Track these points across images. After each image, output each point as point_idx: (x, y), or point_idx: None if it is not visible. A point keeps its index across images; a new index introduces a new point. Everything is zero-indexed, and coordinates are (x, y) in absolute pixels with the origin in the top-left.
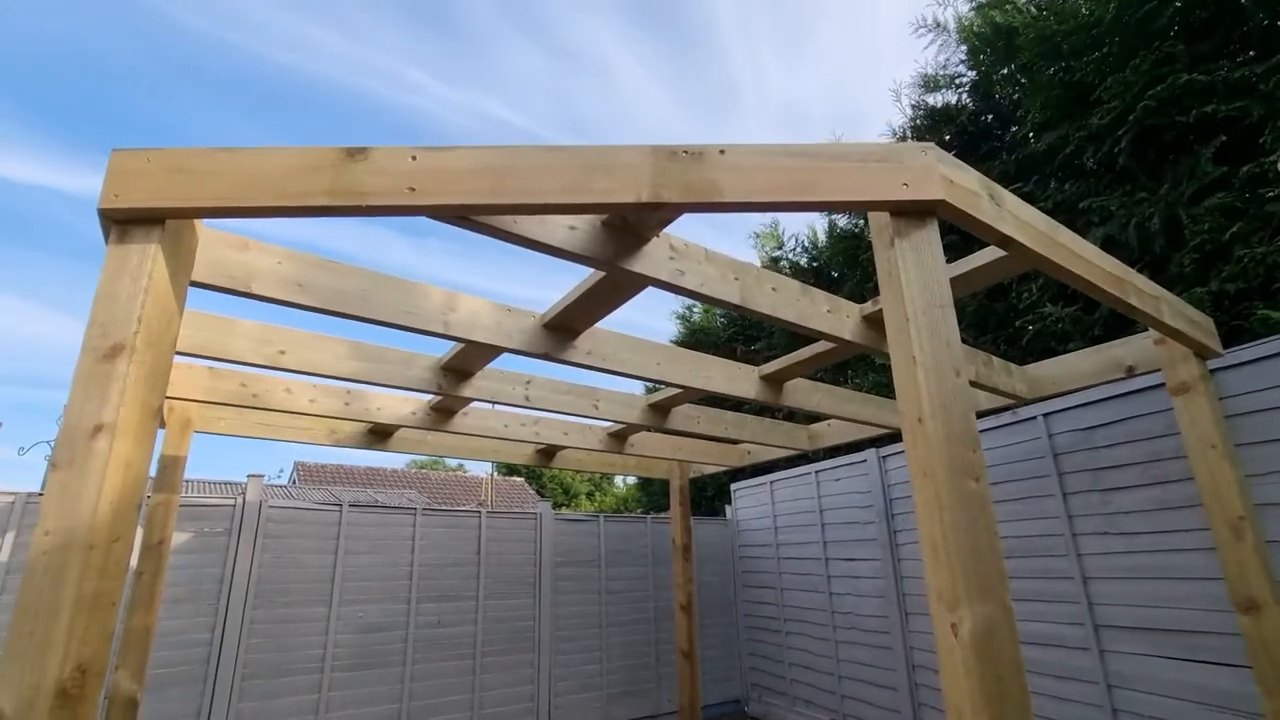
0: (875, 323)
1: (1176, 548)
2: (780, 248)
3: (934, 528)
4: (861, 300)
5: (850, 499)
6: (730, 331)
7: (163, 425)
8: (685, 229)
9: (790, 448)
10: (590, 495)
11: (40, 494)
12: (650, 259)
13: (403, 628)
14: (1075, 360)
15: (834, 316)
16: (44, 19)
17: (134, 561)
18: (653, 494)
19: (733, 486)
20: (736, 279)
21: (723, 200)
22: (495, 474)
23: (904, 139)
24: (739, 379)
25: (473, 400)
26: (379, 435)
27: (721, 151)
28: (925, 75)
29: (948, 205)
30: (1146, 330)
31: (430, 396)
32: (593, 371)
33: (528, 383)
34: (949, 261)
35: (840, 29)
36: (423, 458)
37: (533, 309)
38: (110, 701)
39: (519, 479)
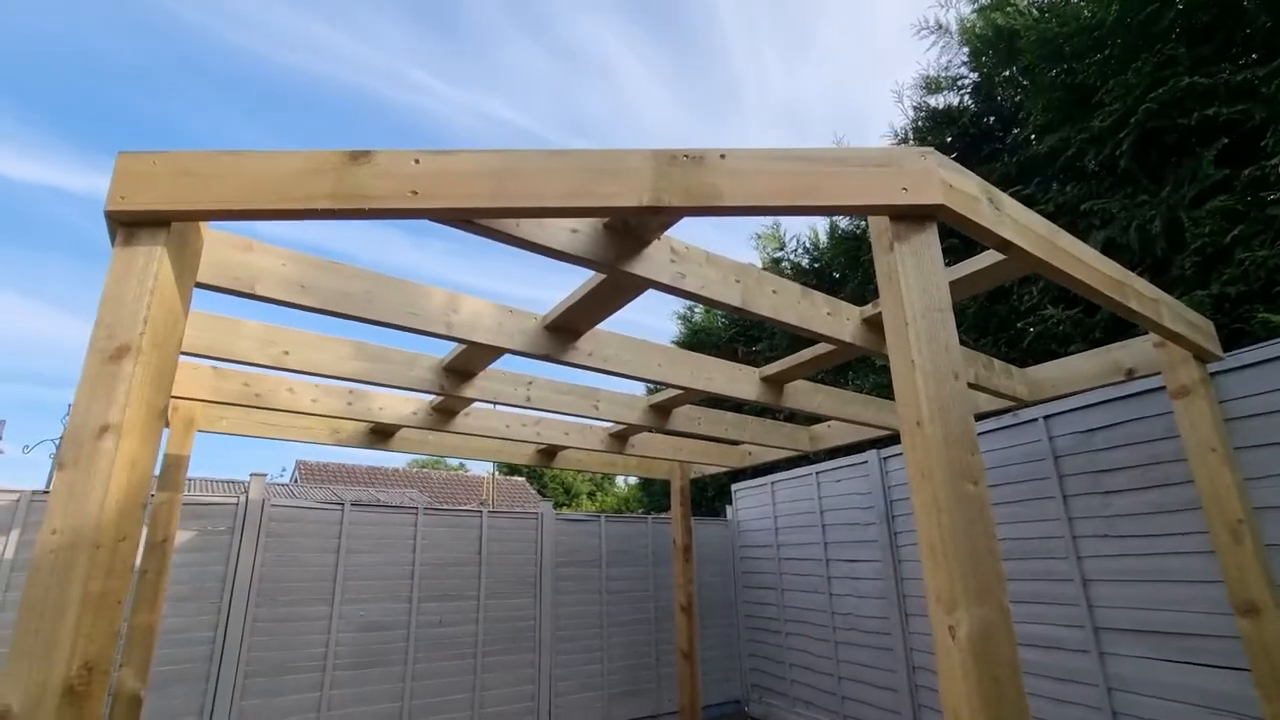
0: (875, 325)
1: (1176, 550)
2: (781, 248)
3: (932, 530)
4: (863, 302)
5: (851, 500)
6: (731, 332)
7: (166, 424)
8: (688, 228)
9: (791, 449)
10: (591, 495)
11: (45, 492)
12: (651, 261)
13: (404, 627)
14: (1076, 363)
15: (834, 319)
16: (45, 18)
17: (138, 560)
18: (654, 494)
19: (734, 487)
20: (738, 281)
21: (723, 204)
22: (496, 473)
23: (906, 140)
24: (740, 380)
25: (474, 400)
26: (381, 435)
27: (722, 156)
28: (927, 77)
29: (947, 209)
30: (1147, 333)
31: (432, 397)
32: (594, 372)
33: (529, 383)
34: (951, 264)
35: (841, 29)
36: (424, 457)
37: (535, 310)
38: (114, 699)
39: (520, 479)
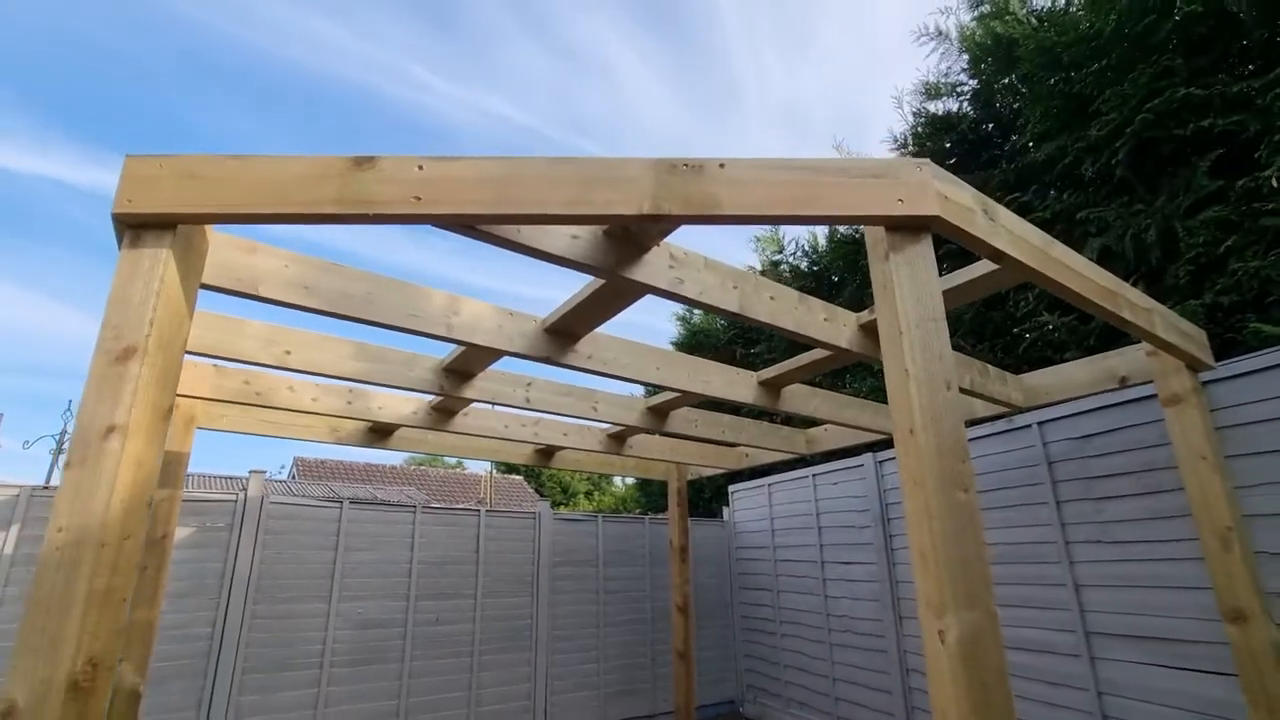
0: (872, 331)
1: (1168, 557)
2: (780, 251)
3: (923, 536)
4: (861, 306)
5: (847, 503)
6: (730, 334)
7: None
8: (690, 229)
9: (788, 451)
10: (589, 494)
11: (45, 488)
12: (650, 267)
13: (401, 624)
14: (1070, 370)
15: (831, 325)
16: (46, 11)
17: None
18: (651, 494)
19: (730, 488)
20: (735, 287)
21: (722, 213)
22: (494, 472)
23: (905, 146)
24: (737, 384)
25: (473, 401)
26: (380, 434)
27: (721, 165)
28: (927, 83)
29: (942, 221)
30: (1140, 341)
31: (431, 397)
32: (593, 375)
33: (528, 384)
34: (952, 269)
35: (842, 30)
36: (422, 455)
37: (535, 312)
38: (113, 694)
39: (518, 477)
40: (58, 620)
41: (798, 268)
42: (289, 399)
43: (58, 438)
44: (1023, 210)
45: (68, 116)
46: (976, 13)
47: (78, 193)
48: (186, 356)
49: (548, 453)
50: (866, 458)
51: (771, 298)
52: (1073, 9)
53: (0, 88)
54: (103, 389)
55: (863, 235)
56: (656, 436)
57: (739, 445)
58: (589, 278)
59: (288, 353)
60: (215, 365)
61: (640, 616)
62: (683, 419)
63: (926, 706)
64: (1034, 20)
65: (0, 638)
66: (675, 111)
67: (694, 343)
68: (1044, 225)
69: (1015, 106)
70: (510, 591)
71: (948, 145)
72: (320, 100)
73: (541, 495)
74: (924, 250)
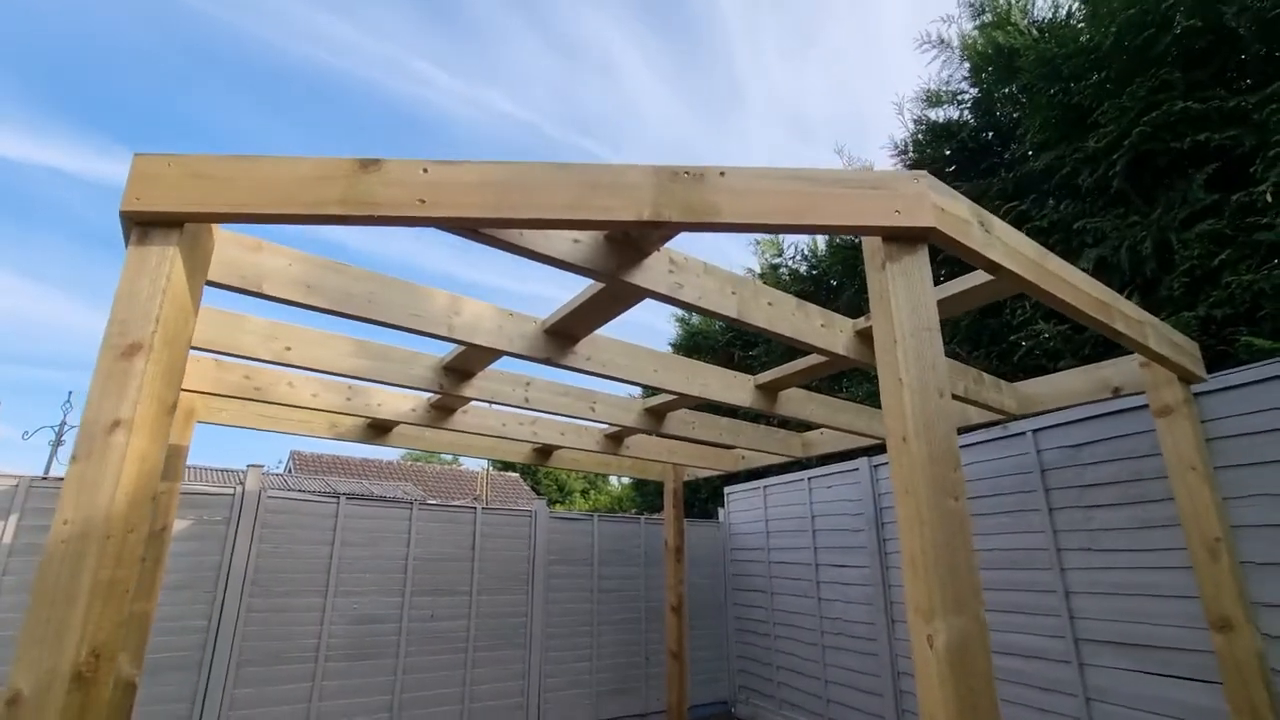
0: (868, 338)
1: (1157, 565)
2: (780, 255)
3: (914, 542)
4: (859, 311)
5: (841, 506)
6: (728, 336)
7: None
8: (691, 232)
9: (784, 455)
10: (585, 493)
11: (44, 478)
12: (650, 272)
13: (397, 620)
14: (1064, 379)
15: (828, 331)
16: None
17: None
18: (647, 494)
19: (726, 490)
20: (734, 293)
21: (721, 221)
22: (491, 469)
23: (905, 152)
24: (734, 387)
25: (472, 399)
26: (379, 430)
27: (722, 174)
28: (928, 90)
29: (938, 232)
30: (1134, 353)
31: (430, 394)
32: (591, 376)
33: (527, 384)
34: (949, 275)
35: (845, 30)
36: (419, 451)
37: (536, 310)
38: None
39: (514, 474)
40: (62, 611)
41: (797, 271)
42: (288, 394)
43: (57, 429)
44: (1021, 219)
45: (65, 103)
46: (978, 22)
47: (75, 180)
48: (190, 352)
49: (545, 452)
50: (862, 462)
51: (769, 304)
52: (1073, 21)
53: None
54: (109, 384)
55: (861, 241)
56: (653, 437)
57: (735, 447)
58: (589, 280)
59: (288, 349)
60: (216, 360)
61: (634, 616)
62: (680, 420)
63: (916, 709)
64: (1035, 31)
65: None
66: (677, 111)
67: (692, 344)
68: (1041, 234)
69: (1015, 116)
70: (505, 589)
71: (948, 153)
72: (321, 92)
73: (538, 493)
74: (920, 261)
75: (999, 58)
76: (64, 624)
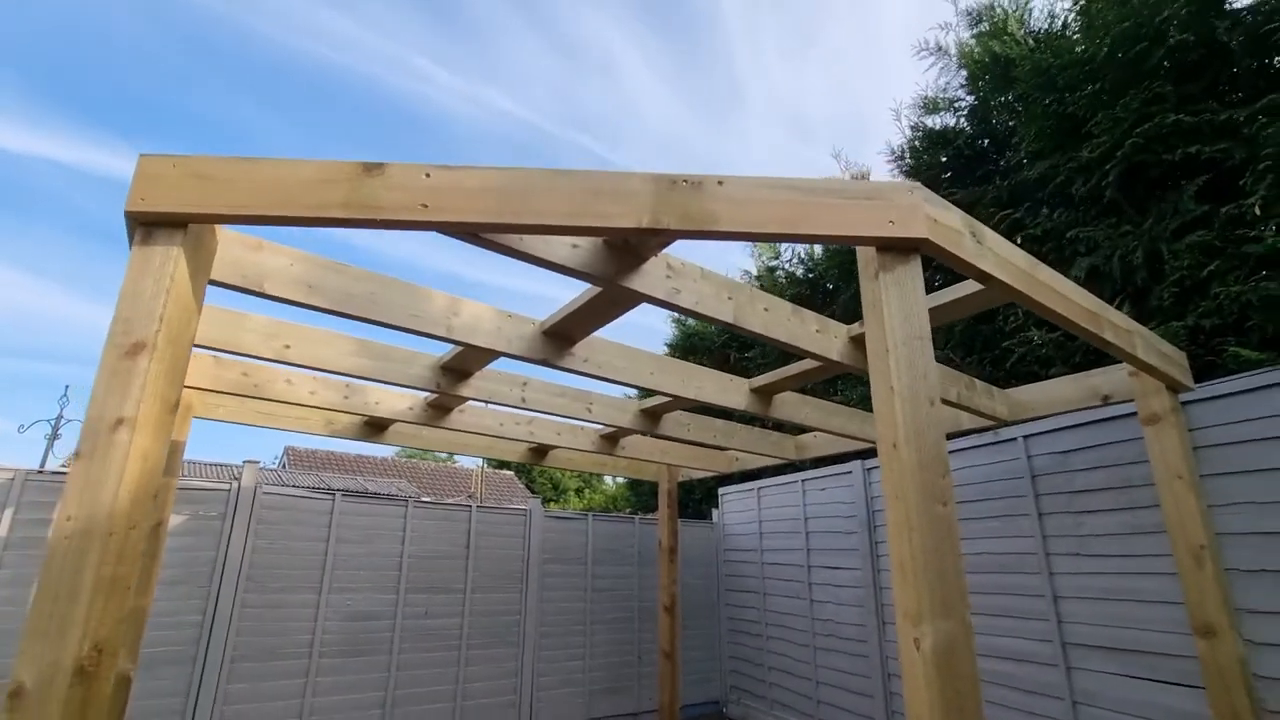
0: (862, 344)
1: (1144, 571)
2: (777, 257)
3: (903, 547)
4: (855, 313)
5: (834, 508)
6: (724, 338)
7: None
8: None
9: (778, 457)
10: (579, 491)
11: (40, 472)
12: (648, 277)
13: (391, 617)
14: (1054, 387)
15: (823, 337)
16: None
17: None
18: (641, 494)
19: (720, 491)
20: (730, 298)
21: (719, 229)
22: (485, 466)
23: (902, 158)
24: (730, 390)
25: (470, 399)
26: (375, 428)
27: (720, 183)
28: (925, 97)
29: (931, 243)
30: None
31: (428, 393)
32: (588, 378)
33: (524, 384)
34: (946, 281)
35: (846, 32)
36: (415, 448)
37: (536, 309)
38: None
39: (509, 472)
40: (65, 606)
41: (793, 274)
42: (286, 392)
43: (53, 422)
44: (1015, 227)
45: (63, 96)
46: (975, 31)
47: (72, 173)
48: None
49: (541, 451)
50: (855, 465)
51: (765, 309)
52: (1069, 32)
53: None
54: (112, 382)
55: (856, 250)
56: (649, 438)
57: (730, 449)
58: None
59: (287, 347)
60: (214, 356)
61: (628, 615)
62: (675, 422)
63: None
64: (1031, 41)
65: None
66: (676, 110)
67: (688, 345)
68: (1035, 242)
69: (1010, 124)
70: (499, 587)
71: (944, 159)
72: (322, 88)
73: (532, 491)
74: (912, 270)
75: (995, 66)
76: (67, 619)
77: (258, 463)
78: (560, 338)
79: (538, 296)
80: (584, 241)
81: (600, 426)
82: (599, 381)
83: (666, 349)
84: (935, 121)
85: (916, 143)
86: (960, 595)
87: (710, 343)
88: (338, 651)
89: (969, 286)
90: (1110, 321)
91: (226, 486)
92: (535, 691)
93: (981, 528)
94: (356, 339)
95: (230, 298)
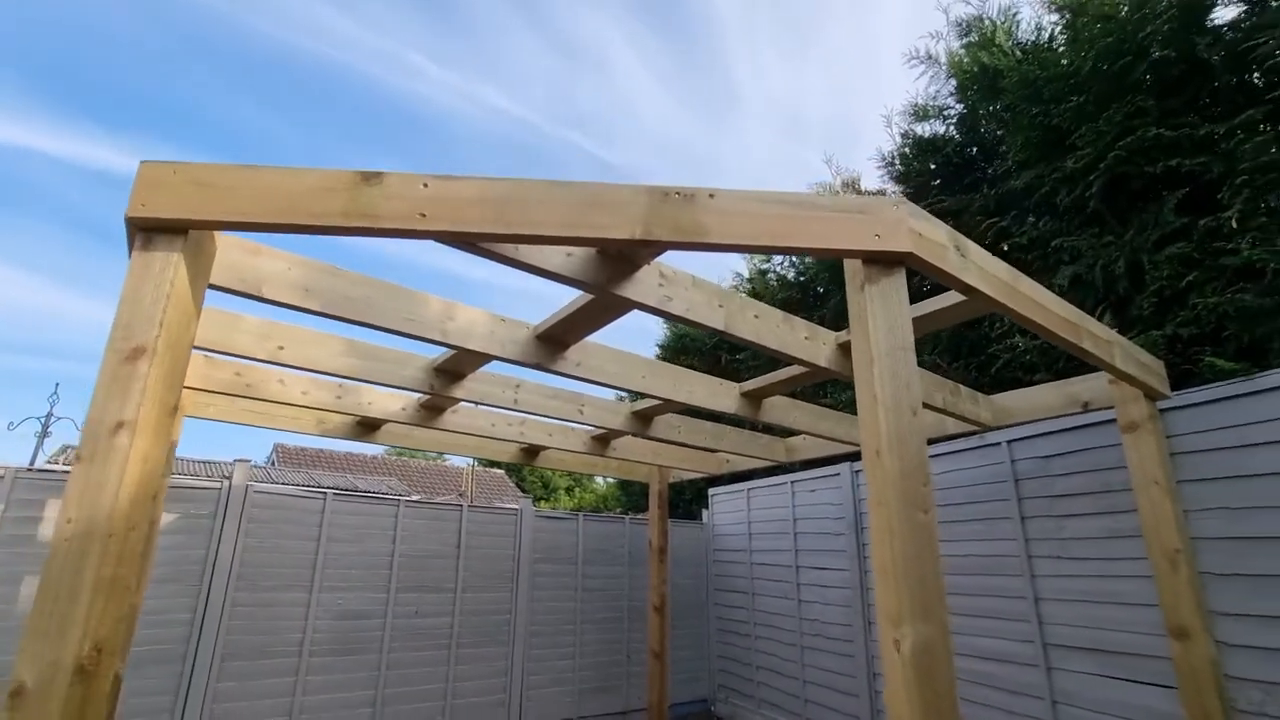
0: (849, 351)
1: (1123, 574)
2: (769, 261)
3: (885, 552)
4: (846, 316)
5: (823, 510)
6: (715, 339)
7: None
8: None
9: (767, 459)
10: (570, 490)
11: (30, 469)
12: (641, 285)
13: (381, 616)
14: (1037, 393)
15: (811, 343)
16: None
17: None
18: (632, 494)
19: (710, 492)
20: (721, 306)
21: (709, 241)
22: (476, 465)
23: (892, 164)
24: (720, 394)
25: (463, 400)
26: (367, 427)
27: (711, 195)
28: (916, 105)
29: (915, 257)
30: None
31: (421, 394)
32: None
33: (517, 386)
34: (933, 288)
35: (842, 34)
36: (406, 448)
37: (531, 311)
38: None
39: (499, 471)
40: (66, 607)
41: (785, 277)
42: (279, 392)
43: (43, 420)
44: (1001, 235)
45: (57, 89)
46: (965, 41)
47: (61, 166)
48: None
49: (533, 452)
50: (843, 467)
51: (756, 316)
52: (1055, 45)
53: None
54: (113, 387)
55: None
56: (640, 439)
57: (720, 451)
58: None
59: (281, 348)
60: (206, 356)
61: (617, 615)
62: (666, 424)
63: None
64: (1018, 53)
65: None
66: (672, 110)
67: (680, 346)
68: (1021, 250)
69: (998, 134)
70: (490, 587)
71: (933, 167)
72: (317, 84)
73: (523, 490)
74: (897, 283)
75: (984, 77)
76: (67, 619)
77: (249, 461)
78: (553, 342)
79: (539, 295)
80: (578, 250)
81: (592, 428)
82: (592, 384)
83: (659, 349)
84: (925, 129)
85: (907, 150)
86: (939, 599)
87: (702, 344)
88: (328, 650)
89: (952, 297)
90: (1090, 332)
91: (217, 485)
92: (525, 690)
93: (966, 530)
94: (350, 340)
95: (224, 298)
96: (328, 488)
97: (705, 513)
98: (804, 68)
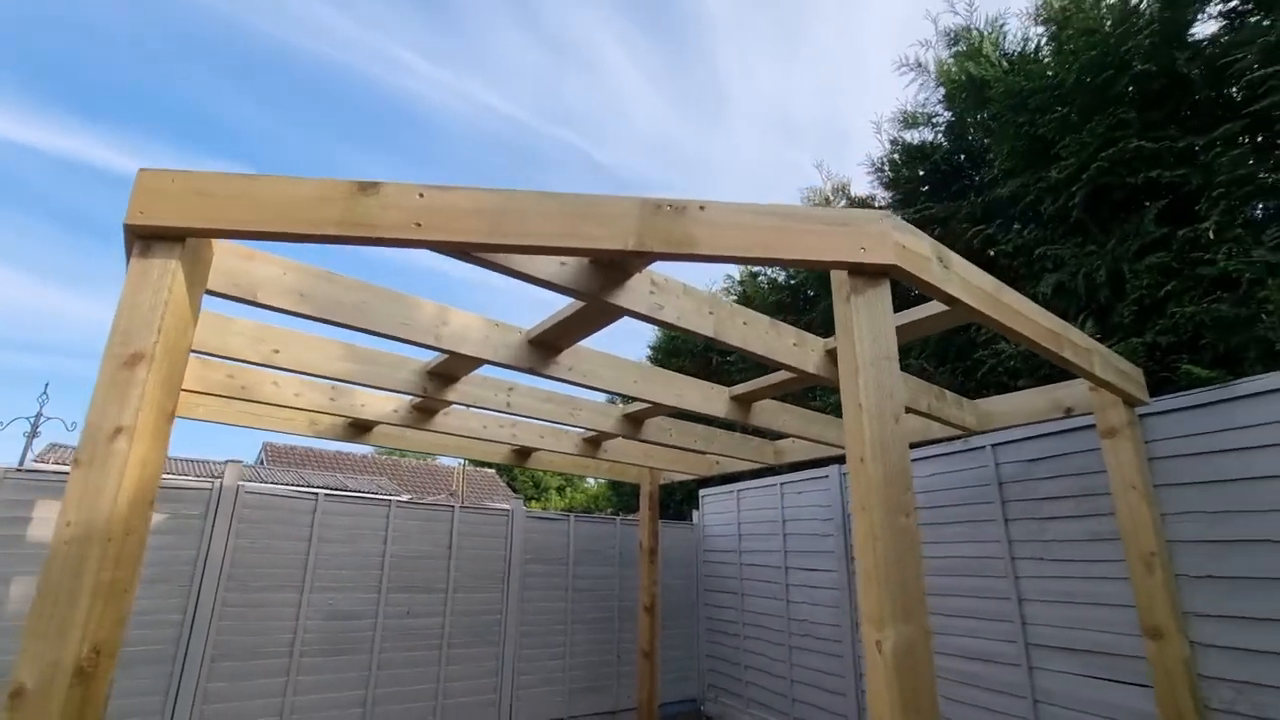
0: (837, 357)
1: (1103, 576)
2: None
3: (868, 556)
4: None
5: (812, 511)
6: (707, 341)
7: None
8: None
9: (757, 461)
10: (561, 490)
11: (18, 469)
12: (632, 293)
13: (372, 617)
14: (1020, 399)
15: (799, 350)
16: None
17: None
18: (623, 494)
19: (701, 493)
20: (711, 313)
21: (699, 252)
22: (467, 465)
23: (881, 170)
24: (711, 398)
25: (456, 403)
26: (360, 429)
27: (701, 207)
28: (905, 112)
29: (899, 269)
30: None
31: (414, 397)
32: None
33: (510, 389)
34: (923, 294)
35: (832, 34)
36: (397, 448)
37: (524, 312)
38: None
39: (490, 470)
40: (65, 609)
41: (775, 280)
42: (273, 394)
43: (32, 420)
44: (988, 242)
45: (47, 85)
46: (953, 51)
47: (37, 156)
48: None
49: (525, 453)
50: (832, 469)
51: (744, 323)
52: (1041, 56)
53: None
54: (111, 392)
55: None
56: (631, 441)
57: (710, 453)
58: None
59: (276, 351)
60: (199, 358)
61: (608, 615)
62: (657, 427)
63: None
64: (1005, 64)
65: None
66: (662, 110)
67: (671, 347)
68: (1006, 258)
69: (985, 142)
70: (481, 587)
71: (921, 173)
72: (301, 77)
73: (514, 490)
74: (882, 294)
75: (971, 86)
76: (66, 621)
77: (240, 462)
78: (546, 347)
79: (535, 293)
80: (571, 259)
81: (584, 430)
82: (584, 388)
83: (651, 350)
84: (914, 136)
85: (896, 156)
86: (920, 601)
87: (693, 346)
88: (319, 651)
89: (936, 306)
90: (1070, 340)
91: (208, 485)
92: (515, 690)
93: (952, 532)
94: (344, 343)
95: (218, 301)
96: (319, 488)
97: (695, 514)
98: (793, 68)
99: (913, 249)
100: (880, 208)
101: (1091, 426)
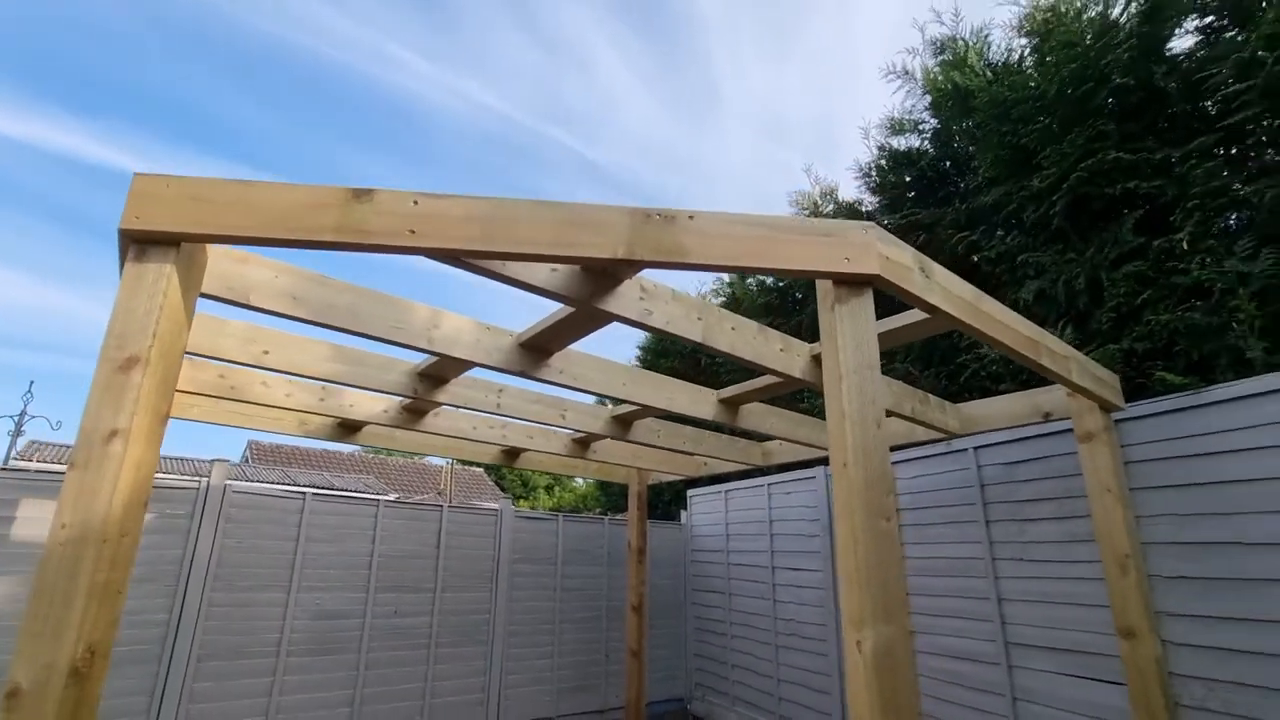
0: (822, 362)
1: (1080, 576)
2: None
3: (849, 559)
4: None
5: (799, 512)
6: (695, 346)
7: None
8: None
9: (745, 463)
10: (549, 489)
11: (4, 469)
12: (622, 299)
13: (360, 616)
14: (1001, 403)
15: (786, 355)
16: None
17: None
18: (611, 494)
19: (689, 493)
20: (699, 319)
21: (688, 261)
22: (455, 463)
23: (869, 175)
24: (699, 401)
25: (446, 405)
26: (349, 429)
27: (691, 217)
28: (892, 118)
29: (883, 279)
30: None
31: (404, 398)
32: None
33: (500, 391)
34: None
35: (824, 34)
36: (386, 448)
37: (517, 313)
38: None
39: (478, 469)
40: (60, 610)
41: (764, 283)
42: (263, 394)
43: (17, 418)
44: (972, 248)
45: (40, 80)
46: (939, 60)
47: (32, 153)
48: None
49: (513, 454)
50: (818, 470)
51: (732, 328)
52: (1024, 66)
53: None
54: (106, 396)
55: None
56: (620, 442)
57: (699, 455)
58: None
59: (266, 352)
60: (190, 358)
61: (596, 615)
62: (646, 428)
63: None
64: (989, 74)
65: None
66: (655, 111)
67: (660, 349)
68: (990, 264)
69: (970, 149)
70: (469, 587)
71: (908, 179)
72: (299, 74)
73: (502, 489)
74: (865, 303)
75: (957, 95)
76: (62, 622)
77: (227, 461)
78: (537, 350)
79: (537, 296)
80: (562, 266)
81: (573, 431)
82: (574, 391)
83: (640, 351)
84: (901, 142)
85: (883, 162)
86: (900, 603)
87: (682, 348)
88: (306, 650)
89: (918, 314)
90: (1048, 348)
91: (195, 484)
92: (503, 689)
93: (935, 533)
94: (335, 345)
95: (210, 302)
96: (306, 487)
97: (684, 514)
98: (784, 69)
99: (896, 259)
100: (867, 213)
101: (1069, 430)
